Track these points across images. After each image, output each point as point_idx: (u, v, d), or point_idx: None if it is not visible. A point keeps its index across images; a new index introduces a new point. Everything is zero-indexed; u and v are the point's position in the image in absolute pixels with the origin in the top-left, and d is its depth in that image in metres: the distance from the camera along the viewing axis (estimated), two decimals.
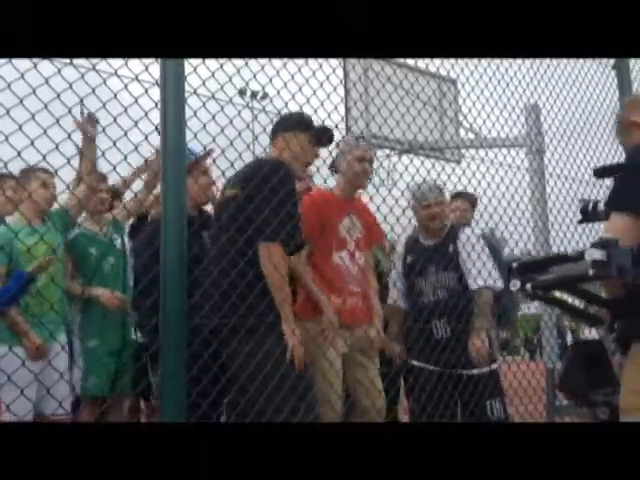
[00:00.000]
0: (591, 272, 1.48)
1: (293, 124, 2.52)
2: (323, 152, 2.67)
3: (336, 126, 2.78)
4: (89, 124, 2.63)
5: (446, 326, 3.15)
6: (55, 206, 3.04)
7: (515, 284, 1.68)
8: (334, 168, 2.97)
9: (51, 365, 2.55)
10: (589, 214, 1.86)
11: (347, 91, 3.44)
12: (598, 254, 1.47)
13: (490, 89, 3.17)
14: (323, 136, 2.59)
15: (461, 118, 4.21)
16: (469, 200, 4.04)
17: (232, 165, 2.33)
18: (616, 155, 3.59)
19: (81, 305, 3.20)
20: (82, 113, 2.61)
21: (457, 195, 4.01)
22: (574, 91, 3.56)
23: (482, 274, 3.10)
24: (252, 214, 2.24)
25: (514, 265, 1.70)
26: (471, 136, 4.25)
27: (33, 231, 2.77)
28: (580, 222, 1.93)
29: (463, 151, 4.34)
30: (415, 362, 3.19)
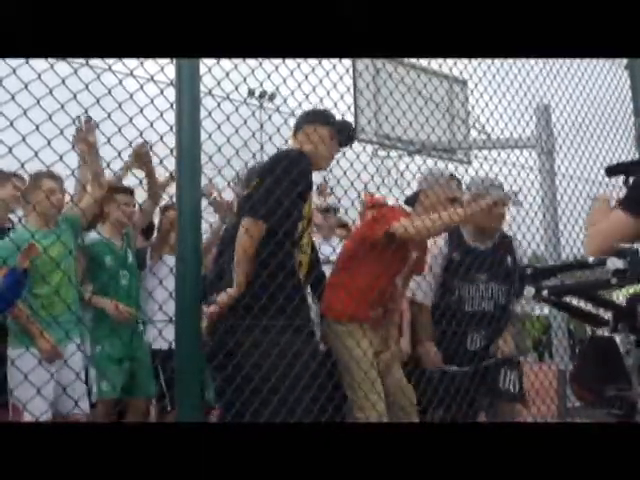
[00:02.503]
0: (613, 280, 1.53)
1: (315, 118, 2.56)
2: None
3: None
4: (89, 133, 2.65)
5: (482, 340, 3.04)
6: (69, 206, 3.06)
7: (530, 291, 1.70)
8: (411, 200, 2.90)
9: (67, 365, 2.57)
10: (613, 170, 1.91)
11: (359, 92, 3.44)
12: (620, 263, 1.52)
13: (502, 90, 3.16)
14: (344, 132, 2.61)
15: (472, 120, 4.20)
16: None
17: (246, 165, 2.33)
18: (629, 156, 3.58)
19: (91, 311, 3.21)
20: (82, 121, 2.63)
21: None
22: (586, 91, 3.54)
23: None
24: (271, 204, 2.23)
25: (528, 271, 1.72)
26: (482, 137, 4.24)
27: (48, 233, 2.79)
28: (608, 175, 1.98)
29: (476, 152, 4.34)
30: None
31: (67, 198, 3.04)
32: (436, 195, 2.78)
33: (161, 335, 2.16)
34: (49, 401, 2.55)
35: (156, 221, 3.62)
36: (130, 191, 3.19)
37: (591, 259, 1.62)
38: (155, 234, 3.64)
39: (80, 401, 2.62)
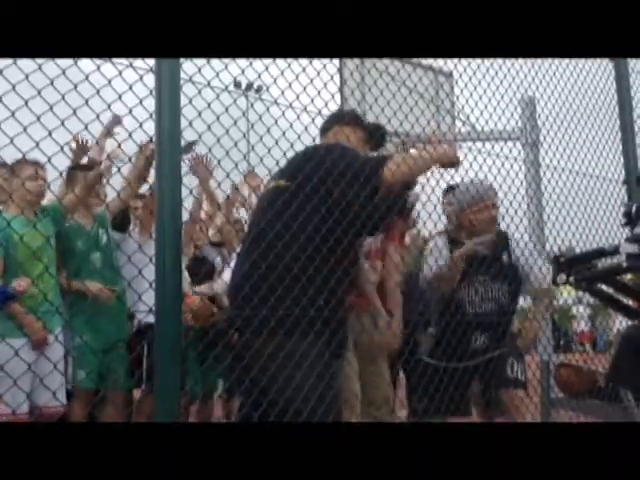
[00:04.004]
0: (625, 264, 1.58)
1: (347, 118, 2.46)
2: None
3: None
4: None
5: (486, 341, 3.05)
6: (49, 196, 3.03)
7: (562, 278, 1.77)
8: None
9: (45, 356, 2.54)
10: (633, 217, 1.91)
11: (343, 81, 3.42)
12: (631, 248, 1.57)
13: (487, 80, 3.15)
14: (377, 136, 2.50)
15: (457, 111, 4.19)
16: None
17: (227, 154, 2.30)
18: (613, 146, 3.59)
19: (70, 299, 3.16)
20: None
21: (452, 188, 3.92)
22: (571, 83, 3.55)
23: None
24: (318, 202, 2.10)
25: (562, 260, 1.79)
26: (467, 128, 4.23)
27: (27, 222, 2.75)
28: (624, 225, 1.98)
29: (461, 144, 4.33)
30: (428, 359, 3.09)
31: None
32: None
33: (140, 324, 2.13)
34: (26, 392, 2.51)
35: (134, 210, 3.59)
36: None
37: (607, 246, 1.69)
38: (133, 225, 3.61)
39: (58, 393, 2.59)
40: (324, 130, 2.49)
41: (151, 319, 1.99)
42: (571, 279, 1.77)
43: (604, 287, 1.92)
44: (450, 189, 3.84)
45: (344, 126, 2.43)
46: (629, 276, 1.85)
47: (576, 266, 1.78)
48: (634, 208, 1.90)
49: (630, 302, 1.99)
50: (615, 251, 1.66)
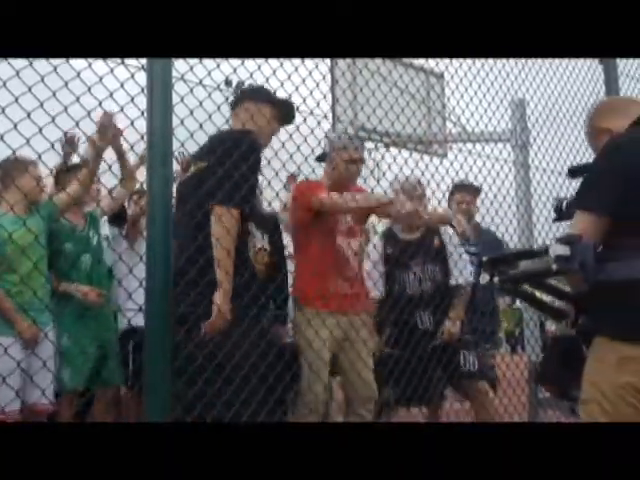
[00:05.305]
0: (554, 267, 1.50)
1: (257, 94, 2.52)
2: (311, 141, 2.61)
3: (325, 116, 2.77)
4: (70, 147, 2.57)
5: (430, 318, 3.23)
6: (43, 196, 3.00)
7: (484, 277, 1.71)
8: (322, 159, 2.94)
9: (34, 353, 2.52)
10: (563, 212, 1.87)
11: (335, 81, 3.42)
12: (561, 249, 1.49)
13: (478, 82, 3.17)
14: (287, 112, 2.55)
15: (448, 112, 4.20)
16: (472, 191, 3.92)
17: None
18: None
19: (57, 299, 3.11)
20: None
21: (459, 187, 3.90)
22: (561, 85, 3.58)
23: (462, 270, 3.27)
24: (214, 187, 2.16)
25: (484, 259, 1.73)
26: (458, 130, 4.25)
27: (17, 219, 2.73)
28: (555, 220, 1.94)
29: (452, 145, 4.34)
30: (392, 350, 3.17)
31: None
32: (338, 156, 2.87)
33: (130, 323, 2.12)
34: (15, 390, 2.50)
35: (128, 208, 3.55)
36: (82, 167, 3.05)
37: (536, 246, 1.60)
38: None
39: (47, 391, 2.57)
40: (235, 104, 2.56)
41: (140, 319, 2.00)
42: (495, 280, 1.71)
43: (529, 288, 1.85)
44: (457, 188, 3.84)
45: (254, 102, 2.49)
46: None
47: (500, 266, 1.72)
48: (564, 203, 1.85)
49: (557, 303, 1.94)
50: (544, 252, 1.58)
